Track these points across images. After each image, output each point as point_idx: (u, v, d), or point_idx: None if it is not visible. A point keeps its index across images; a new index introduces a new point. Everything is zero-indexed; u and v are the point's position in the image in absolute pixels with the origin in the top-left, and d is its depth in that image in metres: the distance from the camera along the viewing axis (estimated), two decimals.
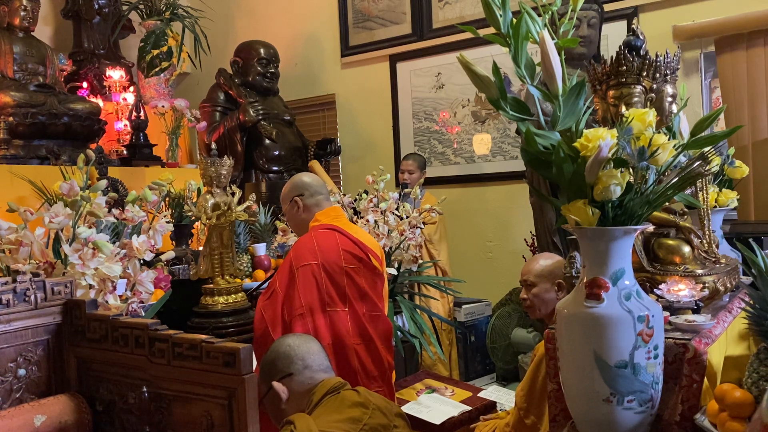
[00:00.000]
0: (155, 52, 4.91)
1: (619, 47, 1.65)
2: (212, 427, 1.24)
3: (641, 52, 1.63)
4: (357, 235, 2.38)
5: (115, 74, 4.90)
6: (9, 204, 1.75)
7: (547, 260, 2.20)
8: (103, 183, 1.91)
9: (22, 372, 1.40)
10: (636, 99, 1.62)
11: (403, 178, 4.34)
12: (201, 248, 2.75)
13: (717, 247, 1.71)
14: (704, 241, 1.64)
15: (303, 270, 2.21)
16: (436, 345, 3.24)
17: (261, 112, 4.63)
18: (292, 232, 3.02)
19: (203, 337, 1.26)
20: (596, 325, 1.22)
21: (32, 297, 1.41)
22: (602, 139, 1.17)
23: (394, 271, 3.00)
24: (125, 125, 4.48)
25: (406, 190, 3.47)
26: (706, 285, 1.54)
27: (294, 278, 2.20)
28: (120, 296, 1.75)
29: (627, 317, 1.21)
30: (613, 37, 3.98)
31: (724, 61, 3.73)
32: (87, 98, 4.40)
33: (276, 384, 1.76)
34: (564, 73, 1.24)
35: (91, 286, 1.69)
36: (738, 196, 2.14)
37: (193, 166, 4.75)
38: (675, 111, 1.68)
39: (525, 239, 4.10)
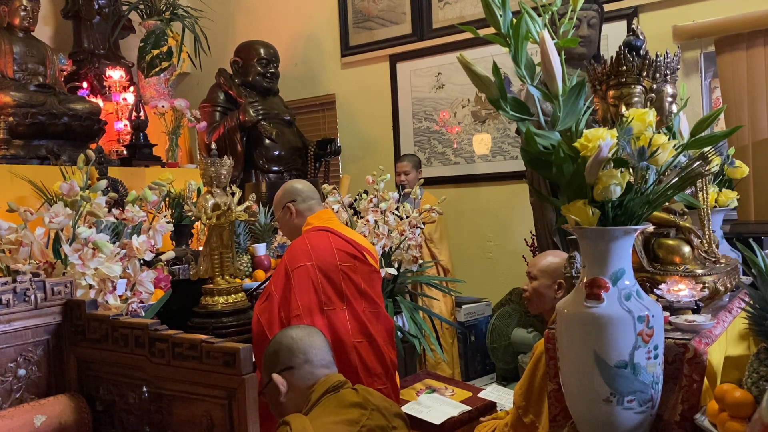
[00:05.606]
0: (155, 52, 4.91)
1: (619, 47, 1.65)
2: (212, 427, 1.24)
3: (641, 52, 1.63)
4: (350, 235, 2.39)
5: (115, 74, 4.90)
6: (9, 204, 1.75)
7: (555, 258, 2.20)
8: (103, 183, 1.92)
9: (22, 372, 1.40)
10: (636, 99, 1.62)
11: (400, 180, 4.31)
12: (201, 248, 2.75)
13: (717, 247, 1.71)
14: (704, 241, 1.64)
15: (298, 272, 2.20)
16: (436, 345, 3.23)
17: (261, 112, 4.62)
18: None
19: (203, 337, 1.26)
20: (596, 325, 1.22)
21: (32, 297, 1.41)
22: (602, 139, 1.17)
23: (394, 271, 3.00)
24: (125, 125, 4.48)
25: (405, 191, 3.46)
26: (706, 285, 1.54)
27: (289, 281, 2.20)
28: (120, 296, 1.75)
29: (627, 317, 1.21)
30: (613, 37, 3.98)
31: (724, 61, 3.73)
32: (87, 98, 4.39)
33: (276, 376, 1.75)
34: (564, 73, 1.24)
35: (91, 286, 1.69)
36: (738, 196, 2.14)
37: (193, 166, 4.74)
38: (675, 111, 1.68)
39: (525, 239, 4.09)
